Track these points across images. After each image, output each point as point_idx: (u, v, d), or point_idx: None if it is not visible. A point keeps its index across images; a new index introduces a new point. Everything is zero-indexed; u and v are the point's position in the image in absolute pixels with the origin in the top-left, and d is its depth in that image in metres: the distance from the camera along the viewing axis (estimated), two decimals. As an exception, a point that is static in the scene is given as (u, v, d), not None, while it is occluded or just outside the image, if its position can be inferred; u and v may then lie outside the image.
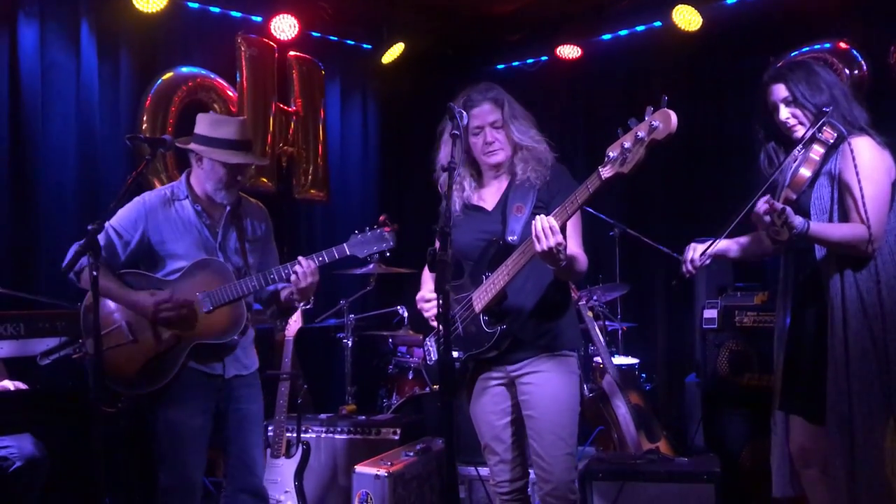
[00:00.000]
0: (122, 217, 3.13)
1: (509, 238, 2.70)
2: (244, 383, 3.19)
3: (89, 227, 2.69)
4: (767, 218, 2.50)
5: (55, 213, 4.57)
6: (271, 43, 5.48)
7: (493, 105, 2.79)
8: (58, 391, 3.73)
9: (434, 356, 2.91)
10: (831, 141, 2.63)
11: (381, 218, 3.13)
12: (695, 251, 2.83)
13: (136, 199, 3.18)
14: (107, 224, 3.05)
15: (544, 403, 2.72)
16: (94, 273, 2.65)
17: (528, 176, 2.77)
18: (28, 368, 3.74)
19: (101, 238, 2.86)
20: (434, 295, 2.73)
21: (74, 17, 4.75)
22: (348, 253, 3.05)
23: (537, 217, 2.44)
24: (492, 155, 2.81)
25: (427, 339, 2.96)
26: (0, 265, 4.29)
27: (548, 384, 2.73)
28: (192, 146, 3.15)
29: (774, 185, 2.78)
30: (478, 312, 2.72)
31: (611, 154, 2.32)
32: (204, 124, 3.18)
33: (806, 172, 2.65)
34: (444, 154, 2.83)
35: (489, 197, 2.88)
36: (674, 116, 2.20)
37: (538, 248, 2.42)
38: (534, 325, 2.75)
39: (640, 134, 2.25)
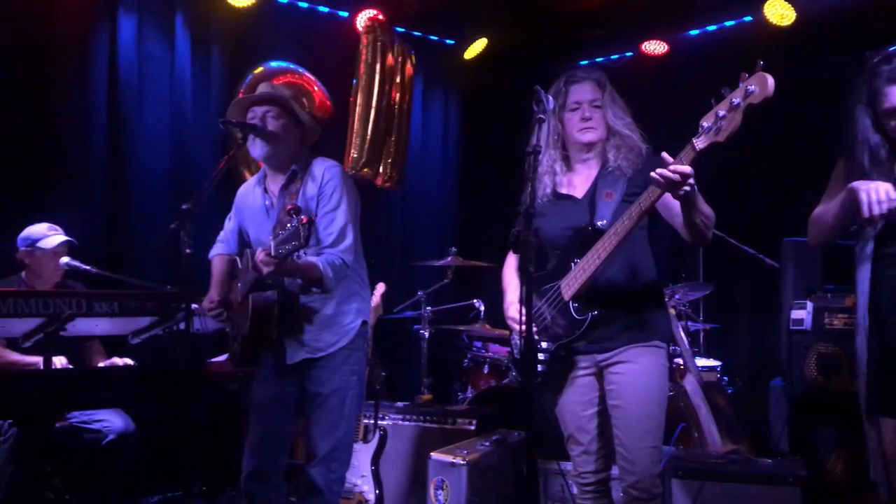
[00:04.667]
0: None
1: (598, 223, 2.65)
2: (315, 366, 3.11)
3: (183, 207, 2.80)
4: None
5: (148, 200, 4.76)
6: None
7: (595, 85, 2.77)
8: (148, 369, 3.87)
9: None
10: None
11: (289, 207, 2.86)
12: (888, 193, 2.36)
13: None
14: None
15: (633, 394, 2.66)
16: (188, 251, 2.76)
17: (619, 164, 2.72)
18: (120, 347, 3.90)
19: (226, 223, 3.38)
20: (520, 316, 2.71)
21: (170, 12, 4.94)
22: (273, 254, 2.76)
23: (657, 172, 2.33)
24: (586, 132, 2.76)
25: (513, 332, 2.91)
26: (95, 247, 4.47)
27: (637, 375, 2.66)
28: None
29: None
30: (567, 300, 2.67)
31: (705, 124, 2.27)
32: None
33: None
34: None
35: (579, 184, 2.83)
36: (770, 80, 2.15)
37: (672, 192, 2.35)
38: (625, 313, 2.69)
39: (736, 100, 2.19)
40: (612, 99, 2.77)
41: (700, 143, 2.29)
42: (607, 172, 2.75)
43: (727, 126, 2.22)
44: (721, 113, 2.22)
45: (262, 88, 3.25)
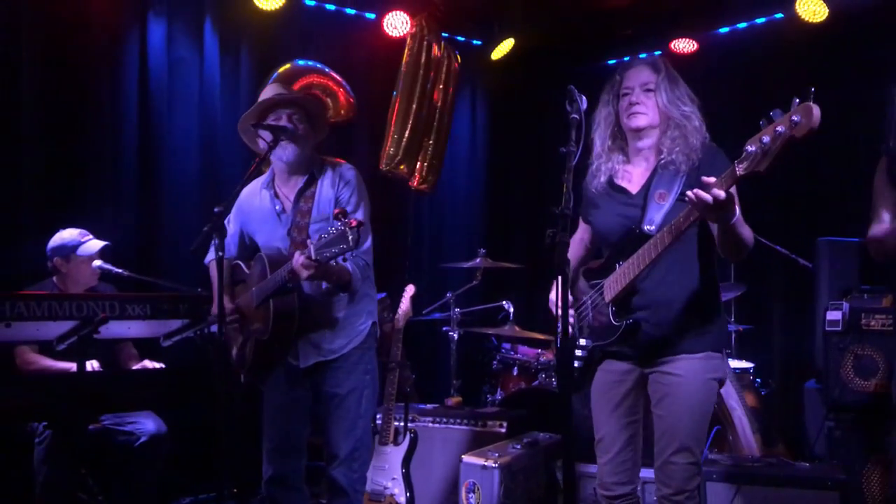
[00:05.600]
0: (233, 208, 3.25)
1: (646, 227, 2.53)
2: (329, 367, 3.10)
3: (216, 210, 2.78)
4: None
5: (178, 201, 4.80)
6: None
7: (650, 68, 2.65)
8: (179, 371, 3.89)
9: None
10: None
11: (336, 211, 2.78)
12: None
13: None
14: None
15: (675, 410, 2.56)
16: (220, 253, 2.75)
17: (673, 157, 2.57)
18: (151, 349, 3.92)
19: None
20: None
21: (199, 16, 4.98)
22: (314, 257, 2.72)
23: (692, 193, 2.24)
24: (633, 118, 2.61)
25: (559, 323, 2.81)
26: (126, 250, 4.50)
27: (683, 389, 2.55)
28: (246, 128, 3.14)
29: None
30: (607, 302, 2.59)
31: (749, 148, 2.15)
32: None
33: None
34: (597, 138, 2.71)
35: (635, 178, 2.70)
36: (816, 111, 2.04)
37: (707, 216, 2.27)
38: (672, 321, 2.56)
39: (780, 129, 2.08)
40: (669, 83, 2.62)
41: (741, 169, 2.17)
42: (663, 168, 2.61)
43: (769, 156, 2.11)
44: (765, 140, 2.11)
45: (276, 90, 3.22)
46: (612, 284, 2.58)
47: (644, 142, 2.67)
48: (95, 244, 3.93)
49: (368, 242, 3.12)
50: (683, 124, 2.59)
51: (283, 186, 3.17)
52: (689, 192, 2.25)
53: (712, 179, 2.23)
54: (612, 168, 2.70)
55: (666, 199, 2.55)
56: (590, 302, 2.67)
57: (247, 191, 3.24)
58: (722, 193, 2.20)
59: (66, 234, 3.94)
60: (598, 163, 2.72)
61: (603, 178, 2.70)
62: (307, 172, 3.13)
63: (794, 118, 2.06)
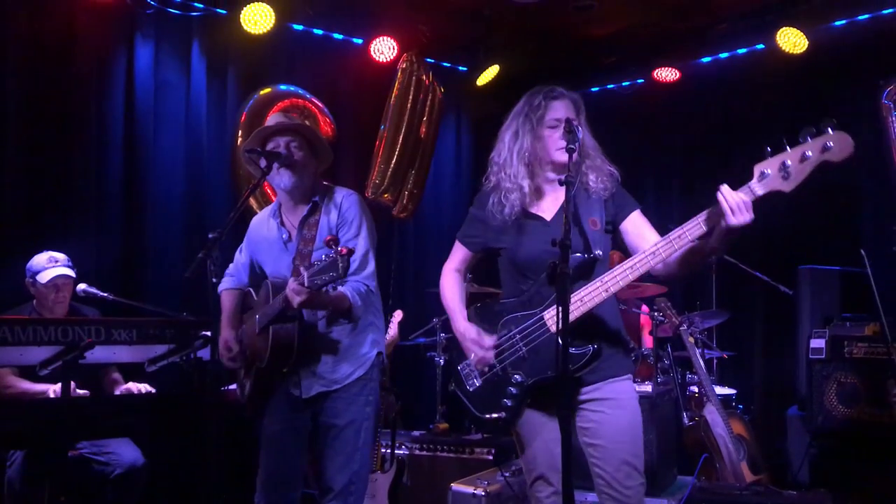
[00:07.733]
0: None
1: (597, 252, 2.51)
2: (329, 398, 3.02)
3: (210, 236, 2.72)
4: None
5: (163, 226, 4.75)
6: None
7: (573, 105, 2.63)
8: (162, 398, 3.84)
9: (477, 382, 2.60)
10: None
11: (327, 238, 2.70)
12: None
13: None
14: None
15: (617, 432, 2.52)
16: (213, 280, 2.72)
17: (599, 186, 2.61)
18: (138, 372, 3.86)
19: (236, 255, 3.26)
20: (489, 342, 2.54)
21: (186, 39, 4.96)
22: (307, 284, 2.70)
23: (727, 192, 2.24)
24: (564, 153, 2.52)
25: (462, 363, 2.65)
26: (111, 274, 4.45)
27: (618, 412, 2.53)
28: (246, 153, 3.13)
29: None
30: (554, 333, 2.38)
31: (766, 171, 2.21)
32: None
33: None
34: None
35: (546, 206, 2.66)
36: (851, 141, 2.15)
37: (733, 221, 2.24)
38: (609, 344, 2.53)
39: (809, 153, 2.17)
40: (586, 124, 2.66)
41: (760, 188, 2.23)
42: (587, 196, 2.62)
43: (796, 177, 2.20)
44: (788, 162, 2.19)
45: (277, 118, 3.21)
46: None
47: (559, 175, 2.55)
48: (50, 273, 3.85)
49: (371, 267, 3.06)
50: (601, 156, 2.66)
51: (290, 215, 3.15)
52: (723, 191, 2.24)
53: (724, 186, 2.25)
54: (526, 198, 2.64)
55: (597, 226, 2.56)
56: (519, 336, 2.54)
57: (256, 220, 3.25)
58: (750, 196, 2.23)
59: (37, 259, 3.90)
60: (507, 188, 2.65)
61: (516, 208, 2.62)
62: (310, 200, 3.11)
63: (829, 143, 2.14)
